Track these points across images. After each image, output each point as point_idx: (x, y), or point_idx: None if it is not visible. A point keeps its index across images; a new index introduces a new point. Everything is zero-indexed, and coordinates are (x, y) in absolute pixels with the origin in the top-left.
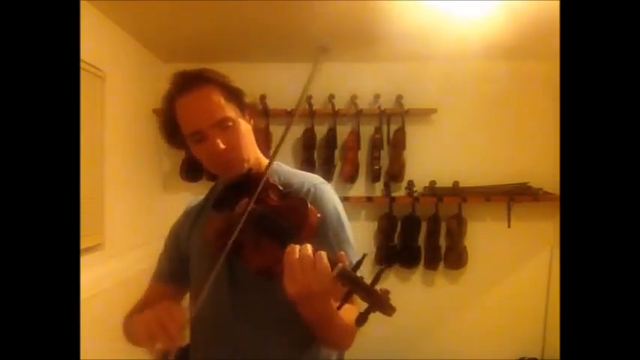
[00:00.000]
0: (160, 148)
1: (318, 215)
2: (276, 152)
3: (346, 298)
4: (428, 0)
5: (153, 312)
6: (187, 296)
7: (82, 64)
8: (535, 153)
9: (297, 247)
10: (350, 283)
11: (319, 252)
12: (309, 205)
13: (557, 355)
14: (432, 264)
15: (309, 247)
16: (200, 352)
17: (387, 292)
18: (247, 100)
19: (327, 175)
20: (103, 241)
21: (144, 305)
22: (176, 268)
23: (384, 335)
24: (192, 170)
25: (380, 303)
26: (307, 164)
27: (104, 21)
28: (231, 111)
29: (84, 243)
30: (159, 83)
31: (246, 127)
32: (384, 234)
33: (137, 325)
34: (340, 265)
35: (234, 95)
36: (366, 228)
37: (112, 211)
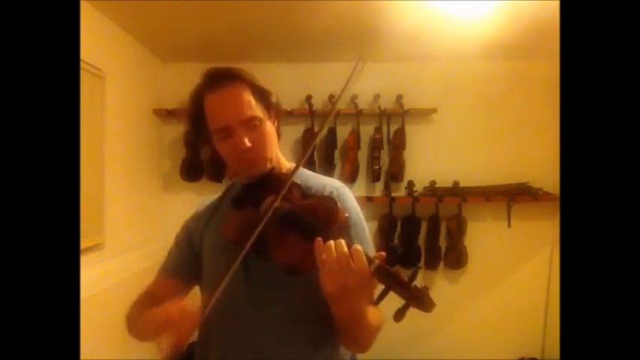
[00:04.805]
0: (160, 147)
1: (346, 215)
2: (305, 153)
3: (384, 294)
4: (428, 0)
5: (166, 309)
6: (193, 293)
7: (82, 64)
8: (535, 153)
9: (332, 242)
10: (388, 279)
11: (355, 247)
12: (338, 204)
13: (557, 355)
14: (432, 264)
15: (343, 243)
16: (213, 349)
17: (426, 288)
18: (274, 100)
19: (327, 175)
20: (103, 241)
21: (150, 298)
22: (186, 264)
23: (383, 335)
24: (192, 170)
25: (419, 299)
26: (307, 164)
27: (104, 21)
28: (259, 110)
29: (84, 243)
30: (159, 83)
31: (270, 128)
32: (384, 234)
33: (147, 319)
34: (377, 261)
35: (263, 95)
36: None
37: (112, 211)
